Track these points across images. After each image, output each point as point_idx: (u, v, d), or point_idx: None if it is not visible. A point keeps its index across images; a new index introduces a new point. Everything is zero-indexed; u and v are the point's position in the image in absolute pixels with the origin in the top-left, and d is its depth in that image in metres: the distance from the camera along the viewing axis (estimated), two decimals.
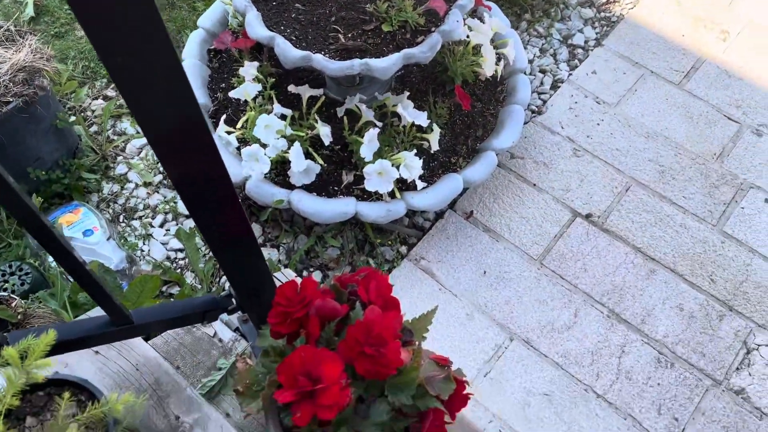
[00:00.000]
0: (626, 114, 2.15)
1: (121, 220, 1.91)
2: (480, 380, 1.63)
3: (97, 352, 1.10)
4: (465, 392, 0.90)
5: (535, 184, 1.98)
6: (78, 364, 1.08)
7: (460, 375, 0.91)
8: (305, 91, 1.66)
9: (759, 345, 1.71)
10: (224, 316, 1.30)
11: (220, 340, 1.36)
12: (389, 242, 1.84)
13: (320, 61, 1.44)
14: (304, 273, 1.80)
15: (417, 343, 0.91)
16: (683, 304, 1.77)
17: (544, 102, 2.18)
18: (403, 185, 1.71)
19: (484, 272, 1.81)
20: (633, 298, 1.77)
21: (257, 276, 0.91)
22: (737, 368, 1.67)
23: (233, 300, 1.05)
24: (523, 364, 1.66)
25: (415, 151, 1.63)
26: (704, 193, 1.99)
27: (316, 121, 1.63)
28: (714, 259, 1.85)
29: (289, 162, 1.56)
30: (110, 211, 1.92)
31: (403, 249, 1.85)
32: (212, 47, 1.94)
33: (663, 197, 1.97)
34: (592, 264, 1.83)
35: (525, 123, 2.09)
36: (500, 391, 1.61)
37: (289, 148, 1.57)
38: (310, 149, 1.65)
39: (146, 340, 1.22)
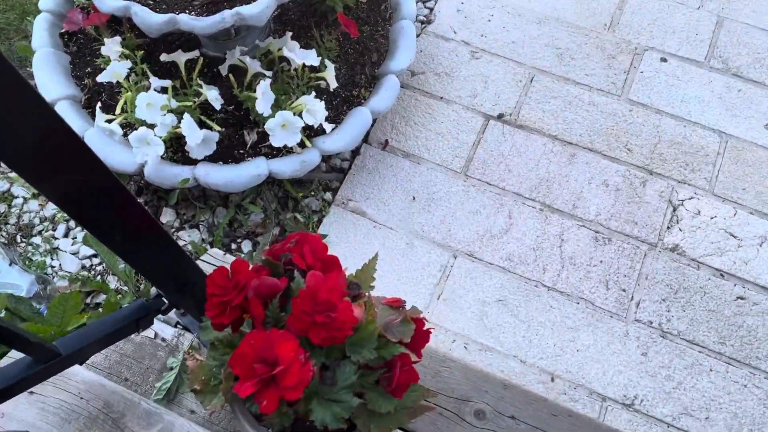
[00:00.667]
0: (514, 4, 2.13)
1: (19, 241, 1.76)
2: (435, 304, 1.65)
3: (32, 392, 1.02)
4: (425, 328, 0.90)
5: (441, 97, 1.96)
6: (16, 410, 1.00)
7: (416, 313, 0.91)
8: (180, 57, 1.54)
9: (682, 200, 1.80)
10: (161, 315, 1.25)
11: (163, 340, 1.30)
12: (312, 192, 1.80)
13: (187, 21, 1.33)
14: (233, 246, 1.74)
15: (366, 294, 0.89)
16: (607, 180, 1.83)
17: (431, 10, 2.13)
18: (311, 131, 1.65)
19: (414, 198, 1.80)
20: (560, 186, 1.82)
21: (179, 270, 0.85)
22: (668, 227, 1.76)
23: (164, 300, 0.99)
24: (472, 278, 1.68)
25: (314, 93, 1.56)
26: (604, 66, 2.03)
27: (201, 86, 1.53)
28: (626, 129, 1.91)
29: (184, 136, 1.47)
30: (3, 234, 1.77)
31: (328, 195, 1.81)
32: (64, 30, 1.76)
33: (567, 80, 2.00)
34: (514, 163, 1.85)
35: (417, 36, 2.04)
36: (456, 309, 1.64)
37: (179, 122, 1.47)
38: (203, 117, 1.56)
39: (83, 362, 1.15)
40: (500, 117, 1.93)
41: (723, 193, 1.81)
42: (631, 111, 1.94)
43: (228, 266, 0.78)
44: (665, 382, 1.55)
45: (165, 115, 1.47)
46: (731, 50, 2.05)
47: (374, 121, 1.85)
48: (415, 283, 1.68)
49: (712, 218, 1.77)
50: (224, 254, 1.38)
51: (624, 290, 1.67)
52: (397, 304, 0.92)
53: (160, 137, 1.47)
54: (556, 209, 1.79)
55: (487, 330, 1.62)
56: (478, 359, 1.57)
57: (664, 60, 2.04)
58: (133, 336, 1.27)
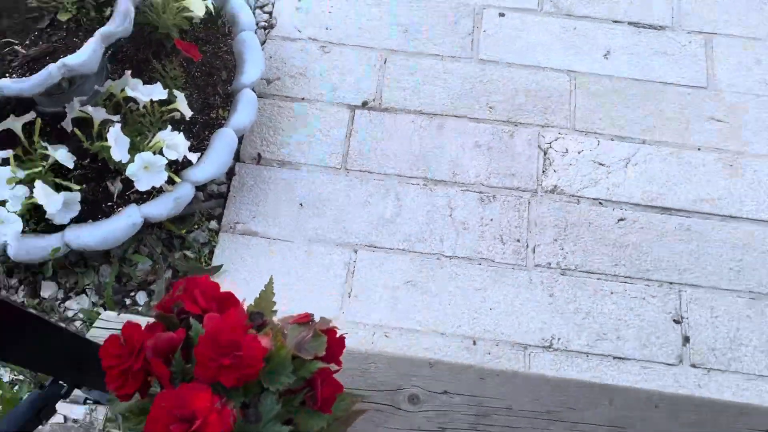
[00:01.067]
0: None
1: None
2: (347, 302, 1.66)
3: None
4: (338, 335, 0.91)
5: (303, 98, 1.96)
6: None
7: (325, 324, 0.91)
8: (14, 123, 1.44)
9: (550, 142, 1.91)
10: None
11: (75, 421, 1.23)
12: (196, 225, 1.75)
13: (10, 86, 1.25)
14: (127, 301, 1.67)
15: (271, 320, 0.89)
16: (478, 141, 1.91)
17: (270, 14, 2.12)
18: (178, 165, 1.60)
19: (301, 204, 1.80)
20: (437, 158, 1.88)
21: (67, 350, 0.81)
22: (543, 171, 1.87)
23: (62, 383, 0.94)
24: (377, 267, 1.71)
25: (170, 127, 1.51)
26: (449, 32, 2.10)
27: (46, 148, 1.44)
28: (484, 88, 2.00)
29: (42, 205, 1.38)
30: None
31: (214, 224, 1.77)
32: None
33: (418, 54, 2.06)
34: (388, 146, 1.89)
35: (263, 44, 2.03)
36: (369, 302, 1.67)
37: (33, 192, 1.38)
38: (57, 180, 1.47)
39: None
40: (365, 105, 1.96)
41: (584, 127, 1.94)
42: (483, 70, 2.03)
43: (120, 331, 0.76)
44: (575, 315, 1.65)
45: (14, 188, 1.37)
46: None
47: (241, 138, 1.82)
48: (323, 288, 1.69)
49: (579, 153, 1.90)
50: (118, 314, 1.32)
51: (518, 240, 1.76)
52: (305, 320, 0.92)
53: (15, 212, 1.38)
54: (438, 181, 1.85)
55: (403, 314, 1.66)
56: (401, 344, 1.61)
57: (502, 15, 2.14)
58: (40, 427, 1.19)
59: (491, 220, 1.79)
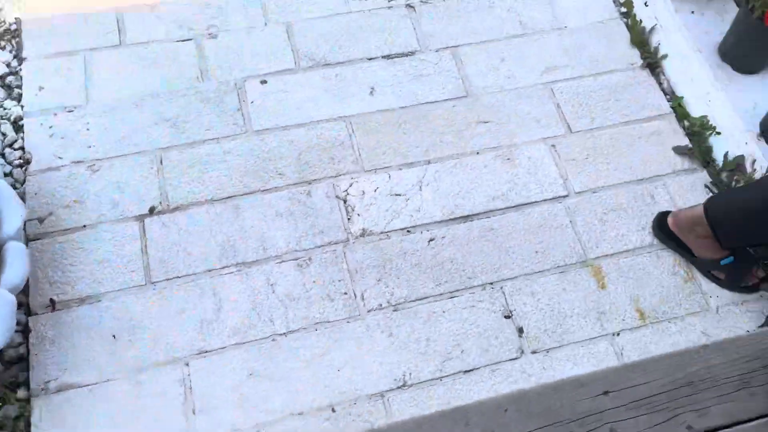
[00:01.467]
0: (103, 102, 2.09)
1: None
2: (192, 421, 1.60)
3: None
4: None
5: (84, 226, 1.87)
6: None
7: None
8: None
9: (346, 189, 1.98)
10: None
11: None
12: (0, 402, 1.58)
13: None
14: None
15: None
16: (278, 210, 1.93)
17: (23, 149, 2.00)
18: None
19: (114, 336, 1.70)
20: (243, 240, 1.87)
21: None
22: (349, 218, 1.93)
23: None
24: (213, 372, 1.66)
25: None
26: (217, 113, 2.11)
27: None
28: (268, 157, 2.03)
29: None
30: None
31: (22, 392, 1.62)
32: None
33: (192, 144, 2.04)
34: (190, 244, 1.85)
35: (23, 183, 1.91)
36: (217, 411, 1.61)
37: None
38: None
39: None
40: (153, 211, 1.91)
41: (372, 166, 2.04)
42: (263, 140, 2.07)
43: None
44: (417, 345, 1.72)
45: None
46: (311, 46, 2.28)
47: (26, 290, 1.70)
48: (163, 415, 1.60)
49: (375, 191, 1.98)
50: None
51: (345, 293, 1.80)
52: None
53: None
54: (251, 262, 1.84)
55: (254, 408, 1.62)
56: None
57: (264, 82, 2.20)
58: None
59: (314, 282, 1.81)
